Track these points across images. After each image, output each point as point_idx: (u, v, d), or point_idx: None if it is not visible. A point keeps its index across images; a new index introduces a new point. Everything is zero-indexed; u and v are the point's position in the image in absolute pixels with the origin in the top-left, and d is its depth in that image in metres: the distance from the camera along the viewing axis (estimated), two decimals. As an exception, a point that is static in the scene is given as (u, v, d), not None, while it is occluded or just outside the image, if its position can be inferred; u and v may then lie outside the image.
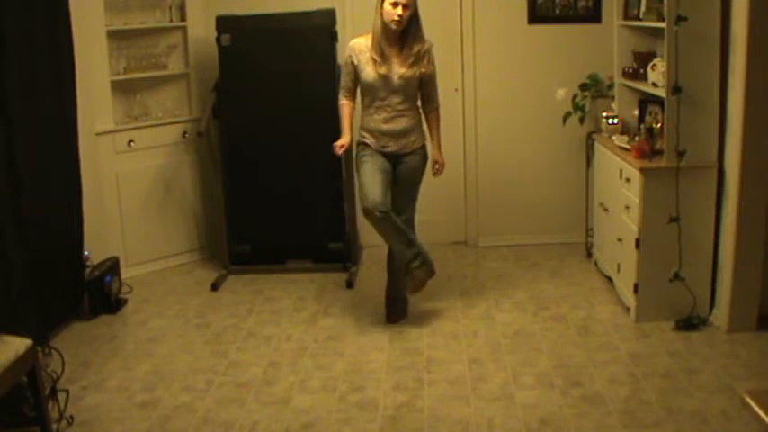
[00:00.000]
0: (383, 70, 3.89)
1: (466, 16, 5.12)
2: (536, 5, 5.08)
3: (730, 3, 3.67)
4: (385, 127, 3.97)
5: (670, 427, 3.08)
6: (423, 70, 3.94)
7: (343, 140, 4.02)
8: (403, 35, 3.90)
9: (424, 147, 4.10)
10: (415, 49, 3.90)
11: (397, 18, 3.80)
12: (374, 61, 3.90)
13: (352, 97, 4.08)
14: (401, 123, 3.98)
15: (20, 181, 3.76)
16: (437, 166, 4.14)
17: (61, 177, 4.23)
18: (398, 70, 3.91)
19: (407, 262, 3.98)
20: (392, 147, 4.00)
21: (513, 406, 3.29)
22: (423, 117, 4.11)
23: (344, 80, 4.05)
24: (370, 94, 3.99)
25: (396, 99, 3.95)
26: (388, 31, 3.87)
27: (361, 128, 4.06)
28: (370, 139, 4.03)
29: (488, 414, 3.24)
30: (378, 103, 3.97)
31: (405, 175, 4.06)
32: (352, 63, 3.98)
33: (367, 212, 3.91)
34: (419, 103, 4.08)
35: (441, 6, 5.08)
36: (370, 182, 3.93)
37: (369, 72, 3.92)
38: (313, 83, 4.82)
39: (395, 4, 3.79)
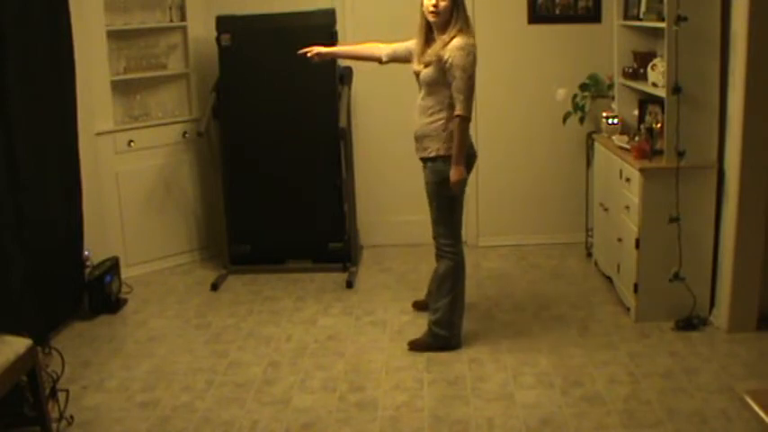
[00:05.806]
0: (415, 65, 3.72)
1: (466, 16, 5.12)
2: (536, 5, 5.08)
3: (730, 3, 3.67)
4: (415, 126, 3.75)
5: (670, 427, 3.08)
6: (435, 58, 3.56)
7: (320, 48, 3.98)
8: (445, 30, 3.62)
9: (436, 159, 3.64)
10: (442, 37, 3.59)
11: (432, 9, 3.55)
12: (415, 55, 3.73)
13: (385, 49, 3.91)
14: (419, 123, 3.70)
15: (20, 181, 3.76)
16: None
17: (61, 177, 4.23)
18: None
19: (433, 314, 3.85)
20: (416, 150, 3.78)
21: (513, 406, 3.29)
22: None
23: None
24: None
25: (420, 95, 3.72)
26: (429, 24, 3.64)
27: None
28: None
29: (488, 414, 3.24)
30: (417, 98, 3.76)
31: (425, 186, 3.78)
32: (408, 48, 3.81)
33: None
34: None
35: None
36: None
37: (413, 65, 3.76)
38: (313, 83, 4.81)
39: None
